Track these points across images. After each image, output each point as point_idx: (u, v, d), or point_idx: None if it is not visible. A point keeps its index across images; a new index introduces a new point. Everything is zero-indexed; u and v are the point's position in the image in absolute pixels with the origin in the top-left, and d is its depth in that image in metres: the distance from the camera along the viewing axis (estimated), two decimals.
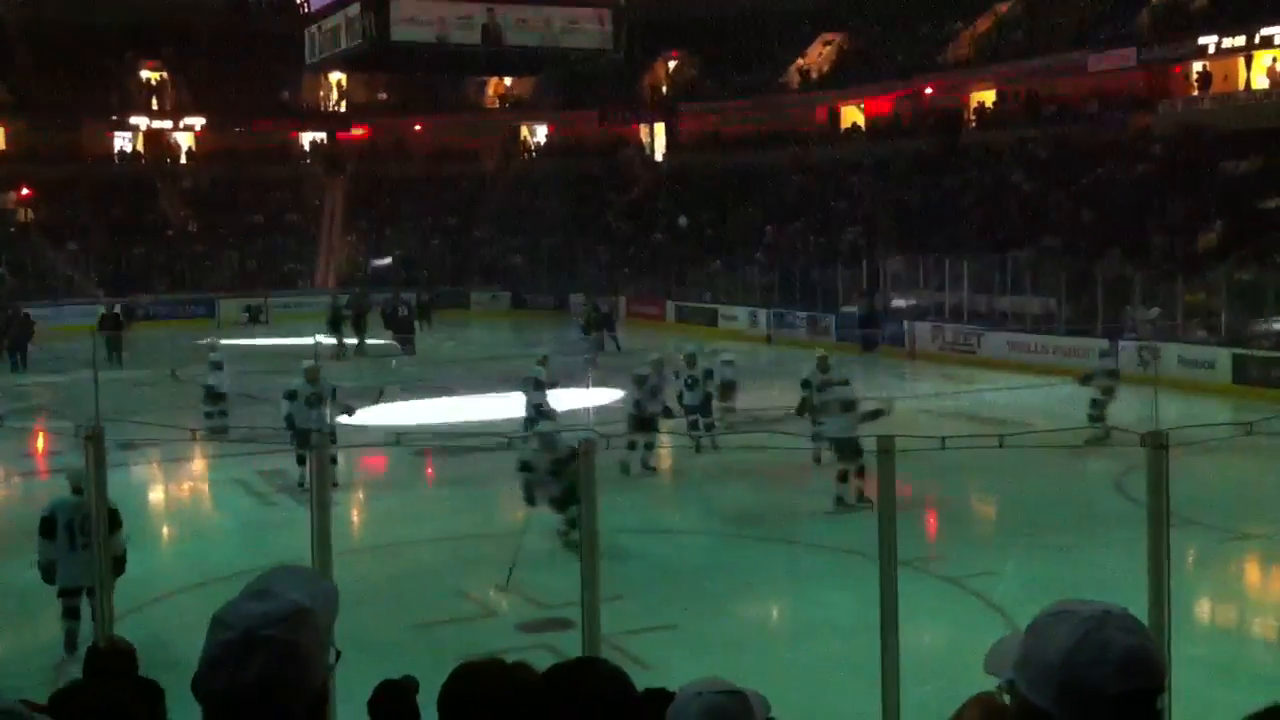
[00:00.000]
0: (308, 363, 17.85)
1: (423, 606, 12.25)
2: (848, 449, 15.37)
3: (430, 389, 27.73)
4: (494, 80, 57.18)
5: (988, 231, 36.76)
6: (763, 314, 37.69)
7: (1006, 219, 37.34)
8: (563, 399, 20.70)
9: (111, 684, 4.31)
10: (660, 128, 55.81)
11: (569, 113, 54.92)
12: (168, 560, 14.46)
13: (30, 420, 24.52)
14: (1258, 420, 8.71)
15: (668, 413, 18.84)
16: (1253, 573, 14.55)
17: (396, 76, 54.10)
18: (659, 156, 55.64)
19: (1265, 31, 35.62)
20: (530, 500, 14.08)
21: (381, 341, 34.77)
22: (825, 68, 50.89)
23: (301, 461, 16.65)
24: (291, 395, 17.26)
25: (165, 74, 53.52)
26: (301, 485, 16.49)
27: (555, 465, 13.61)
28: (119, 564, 10.00)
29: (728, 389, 21.68)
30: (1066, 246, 33.84)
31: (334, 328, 34.51)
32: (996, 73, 43.80)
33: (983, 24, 45.56)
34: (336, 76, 54.60)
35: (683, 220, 48.07)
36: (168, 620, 11.19)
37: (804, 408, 18.28)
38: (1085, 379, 20.45)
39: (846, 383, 16.94)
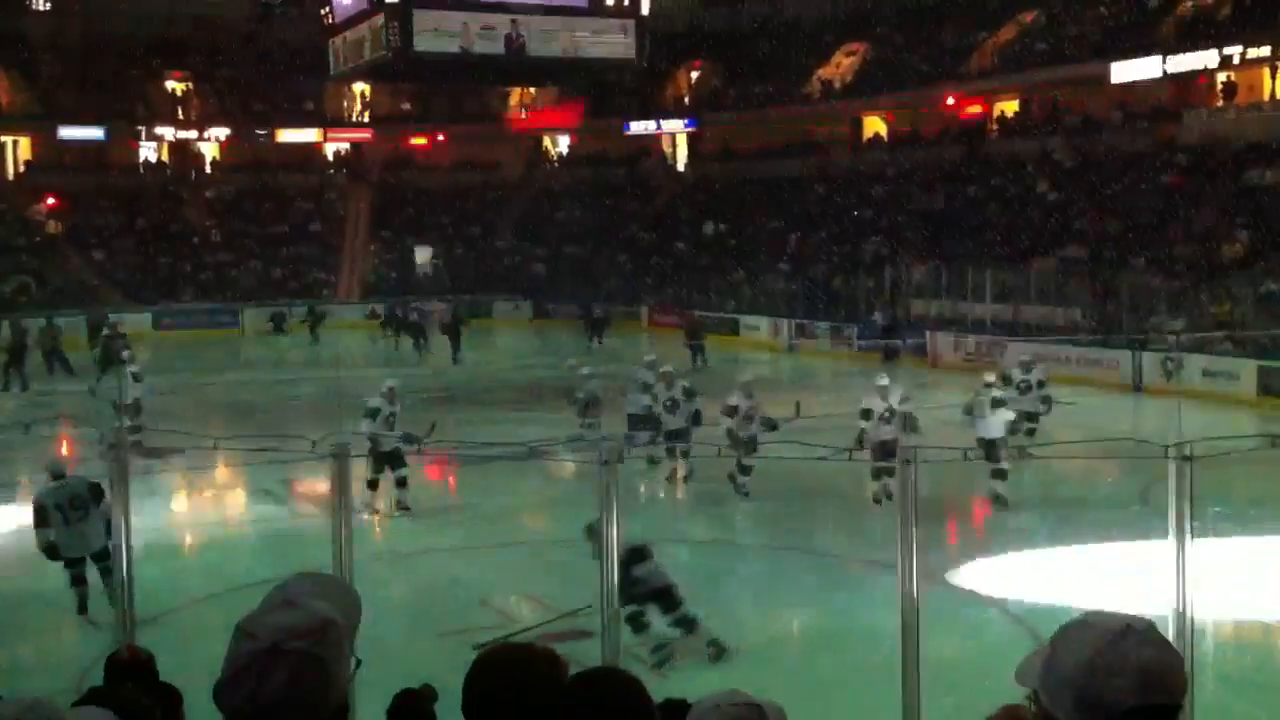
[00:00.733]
0: (390, 381, 17.51)
1: (443, 615, 12.26)
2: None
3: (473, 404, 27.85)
4: (517, 90, 57.38)
5: (1011, 241, 36.65)
6: (785, 324, 37.63)
7: (1030, 229, 37.21)
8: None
9: (130, 690, 4.34)
10: (682, 137, 55.86)
11: (593, 121, 55.08)
12: (190, 568, 14.52)
13: (56, 428, 24.65)
14: None
15: (770, 424, 17.12)
16: (1276, 585, 14.43)
17: (420, 86, 54.34)
18: (681, 166, 55.67)
19: None
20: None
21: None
22: (848, 77, 50.83)
23: (373, 486, 16.44)
24: (373, 414, 16.65)
25: (191, 84, 53.84)
26: (373, 509, 16.45)
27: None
28: (107, 527, 11.18)
29: (592, 405, 20.27)
30: (1090, 256, 33.71)
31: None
32: (1019, 82, 43.66)
33: (1006, 34, 45.44)
34: (360, 87, 54.83)
35: (708, 228, 48.08)
36: (189, 628, 11.24)
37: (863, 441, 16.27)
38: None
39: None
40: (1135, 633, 1.89)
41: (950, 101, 45.88)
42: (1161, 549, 5.82)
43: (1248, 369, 25.29)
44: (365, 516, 15.91)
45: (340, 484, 5.71)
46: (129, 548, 7.81)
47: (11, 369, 29.46)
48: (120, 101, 50.88)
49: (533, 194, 54.30)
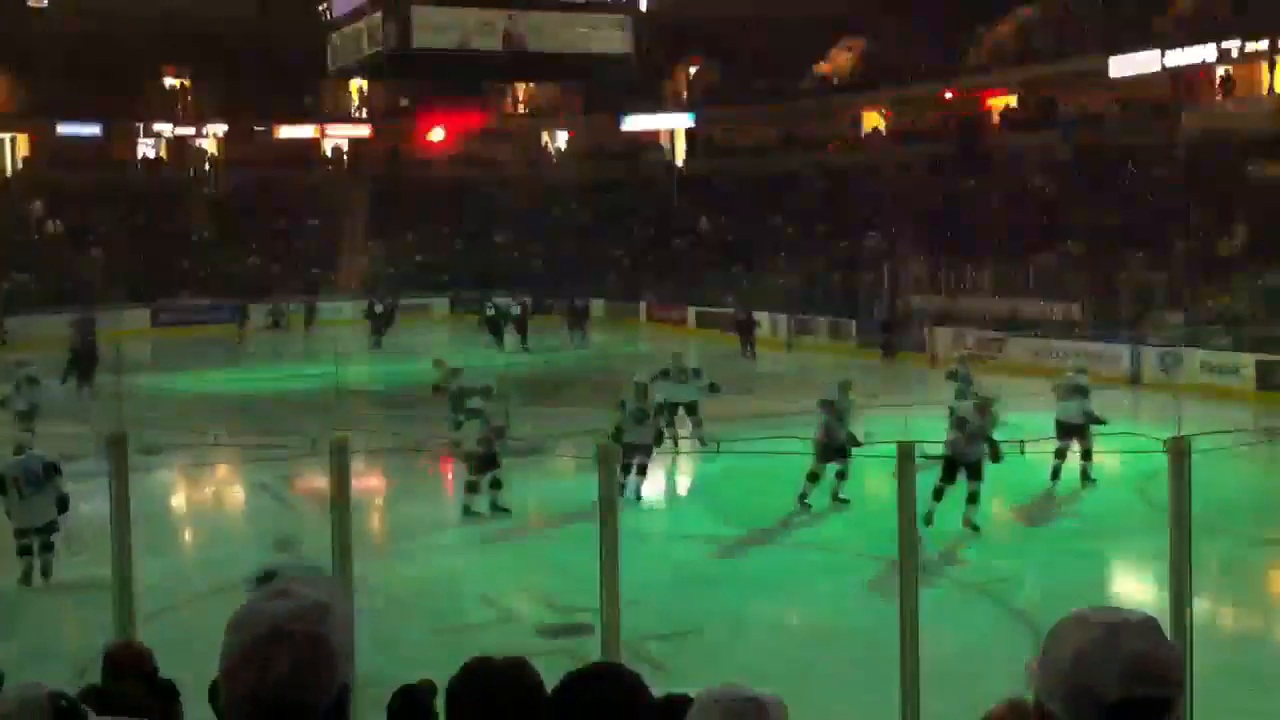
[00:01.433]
0: (639, 378, 17.65)
1: (443, 611, 12.28)
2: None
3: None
4: (516, 86, 57.36)
5: (1010, 236, 36.66)
6: (783, 319, 37.63)
7: (1029, 223, 37.23)
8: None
9: (129, 686, 4.34)
10: (681, 133, 55.83)
11: (590, 116, 55.05)
12: (189, 565, 14.52)
13: (56, 425, 24.61)
14: None
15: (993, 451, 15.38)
16: (1276, 579, 14.46)
17: (418, 82, 54.29)
18: (679, 161, 55.65)
19: None
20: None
21: None
22: (847, 73, 50.82)
23: (474, 489, 16.05)
24: (621, 405, 16.90)
25: (188, 81, 53.79)
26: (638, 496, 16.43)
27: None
28: (63, 503, 12.96)
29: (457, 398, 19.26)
30: (1089, 251, 33.72)
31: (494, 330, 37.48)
32: (1018, 77, 43.67)
33: (1004, 28, 45.42)
34: (358, 83, 54.77)
35: (704, 222, 48.09)
36: (189, 625, 11.23)
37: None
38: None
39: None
40: (1128, 626, 1.88)
41: (949, 96, 45.89)
42: (1159, 543, 5.82)
43: (1247, 363, 25.29)
44: (477, 512, 15.88)
45: (339, 479, 5.71)
46: (127, 543, 7.79)
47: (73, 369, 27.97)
48: (119, 99, 50.84)
49: (530, 189, 54.28)
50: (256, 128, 52.64)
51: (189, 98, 53.67)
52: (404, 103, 56.52)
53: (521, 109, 58.75)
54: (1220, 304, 28.33)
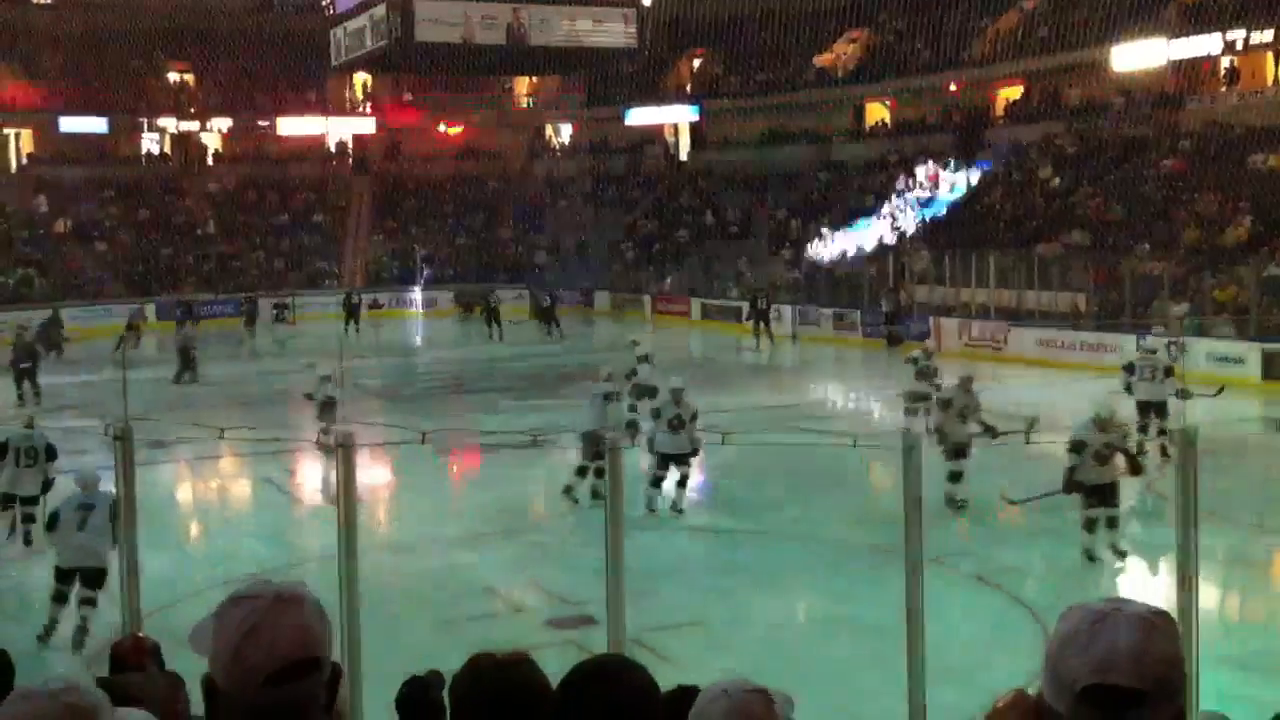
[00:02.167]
0: (675, 384, 16.05)
1: (449, 603, 12.29)
2: None
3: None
4: (519, 79, 57.31)
5: (1014, 227, 36.62)
6: (788, 311, 37.62)
7: (1033, 214, 37.18)
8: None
9: (135, 677, 4.34)
10: (684, 125, 55.76)
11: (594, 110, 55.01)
12: (194, 558, 14.53)
13: (60, 419, 24.66)
14: None
15: (990, 430, 15.73)
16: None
17: (422, 76, 54.27)
18: (683, 154, 55.60)
19: None
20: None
21: None
22: (850, 64, 50.76)
23: (656, 485, 15.59)
24: (657, 414, 16.03)
25: (192, 75, 53.80)
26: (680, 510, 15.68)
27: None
28: (47, 485, 14.13)
29: (327, 407, 19.28)
30: (1094, 242, 33.68)
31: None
32: (1022, 68, 43.60)
33: (1008, 20, 45.34)
34: (362, 77, 54.75)
35: (709, 217, 48.10)
36: (195, 618, 11.23)
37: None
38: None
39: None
40: (1118, 616, 1.85)
41: (953, 88, 45.82)
42: (1165, 533, 5.81)
43: (1253, 353, 25.26)
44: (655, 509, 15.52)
45: (345, 474, 5.71)
46: (133, 536, 7.79)
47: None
48: (123, 93, 50.84)
49: (534, 183, 54.26)
50: (260, 122, 52.62)
51: (193, 92, 53.65)
52: (408, 97, 56.48)
53: (525, 103, 58.70)
54: (1226, 294, 28.28)
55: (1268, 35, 36.00)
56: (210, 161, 53.55)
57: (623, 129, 54.90)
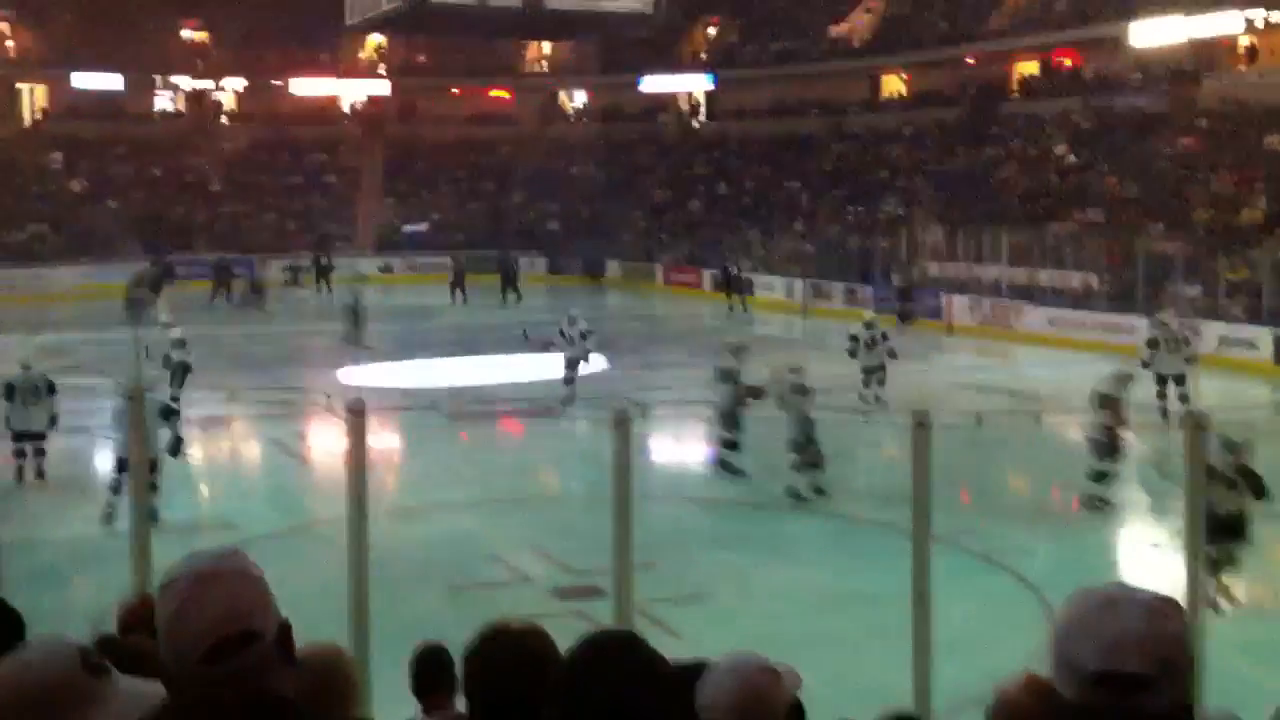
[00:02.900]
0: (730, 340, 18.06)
1: (456, 571, 12.32)
2: None
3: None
4: (533, 44, 57.10)
5: (1028, 203, 36.47)
6: (799, 284, 37.54)
7: (1048, 191, 37.02)
8: None
9: (141, 639, 4.36)
10: (699, 94, 55.54)
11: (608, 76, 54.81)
12: (203, 520, 14.58)
13: (72, 377, 24.70)
14: None
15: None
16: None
17: (436, 39, 54.08)
18: (697, 123, 55.40)
19: None
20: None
21: None
22: (866, 35, 50.50)
23: (733, 446, 16.15)
24: (727, 375, 16.65)
25: (207, 34, 53.66)
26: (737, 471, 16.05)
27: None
28: (53, 420, 15.47)
29: (178, 372, 19.30)
30: (1108, 220, 33.53)
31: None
32: (1039, 43, 43.33)
33: None
34: (376, 39, 54.57)
35: (722, 187, 47.98)
36: None
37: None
38: None
39: None
40: (1124, 601, 1.85)
41: (969, 61, 45.57)
42: (1175, 517, 5.81)
43: (1265, 336, 25.15)
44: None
45: (355, 438, 5.71)
46: (144, 497, 7.83)
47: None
48: (137, 50, 50.72)
49: (547, 149, 54.10)
50: (274, 82, 52.50)
51: (206, 51, 53.53)
52: (422, 59, 56.29)
53: (539, 67, 58.48)
54: (1239, 275, 28.13)
55: None
56: (223, 121, 53.46)
57: (637, 96, 54.69)
